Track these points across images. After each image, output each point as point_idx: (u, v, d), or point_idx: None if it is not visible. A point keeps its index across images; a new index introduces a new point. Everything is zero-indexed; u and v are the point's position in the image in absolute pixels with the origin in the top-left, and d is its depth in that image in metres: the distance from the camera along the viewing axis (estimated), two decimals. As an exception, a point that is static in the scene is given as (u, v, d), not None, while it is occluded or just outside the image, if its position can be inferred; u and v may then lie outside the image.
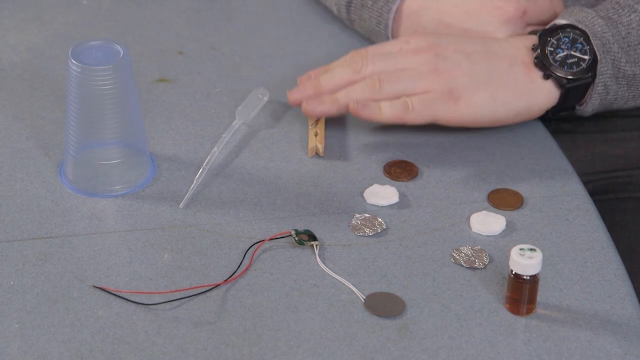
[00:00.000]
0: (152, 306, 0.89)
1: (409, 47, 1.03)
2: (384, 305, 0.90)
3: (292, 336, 0.88)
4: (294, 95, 1.05)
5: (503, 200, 1.00)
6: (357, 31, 1.18)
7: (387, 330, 0.88)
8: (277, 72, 1.15)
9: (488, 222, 0.97)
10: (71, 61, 0.95)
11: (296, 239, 0.95)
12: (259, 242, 0.95)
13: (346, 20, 1.17)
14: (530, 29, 1.08)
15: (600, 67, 1.02)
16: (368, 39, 1.17)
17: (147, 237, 0.96)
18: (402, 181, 1.02)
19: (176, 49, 1.18)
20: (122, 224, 0.97)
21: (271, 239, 0.95)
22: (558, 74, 1.02)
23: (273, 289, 0.91)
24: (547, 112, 1.05)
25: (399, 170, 1.03)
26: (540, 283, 0.90)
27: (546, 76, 1.02)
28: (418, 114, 1.01)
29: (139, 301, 0.90)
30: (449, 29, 1.09)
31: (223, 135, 1.05)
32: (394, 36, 1.12)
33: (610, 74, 1.02)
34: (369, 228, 0.97)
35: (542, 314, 0.90)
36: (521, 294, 0.89)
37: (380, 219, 0.98)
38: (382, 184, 1.01)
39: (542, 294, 0.91)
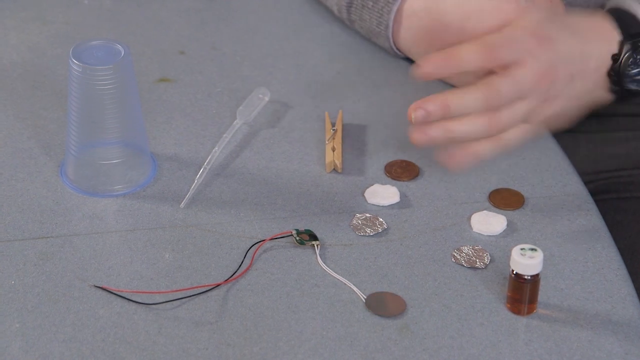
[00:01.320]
0: (153, 306, 0.89)
1: (533, 68, 0.98)
2: (384, 305, 0.90)
3: (293, 336, 0.88)
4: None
5: (504, 200, 1.00)
6: (358, 31, 1.18)
7: (388, 330, 0.88)
8: (278, 72, 1.15)
9: (489, 222, 0.97)
10: (72, 61, 0.96)
11: (297, 238, 0.95)
12: (260, 241, 0.95)
13: (347, 20, 1.17)
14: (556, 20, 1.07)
15: None
16: (368, 40, 1.17)
17: (148, 237, 0.96)
18: (403, 181, 1.02)
19: (177, 48, 1.18)
20: (123, 224, 0.97)
21: (272, 239, 0.95)
22: (628, 88, 1.02)
23: (274, 288, 0.91)
24: None
25: (400, 170, 1.03)
26: (541, 283, 0.90)
27: (614, 91, 1.02)
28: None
29: (140, 301, 0.90)
30: (449, 29, 1.08)
31: (224, 135, 1.05)
32: (394, 37, 1.12)
33: None
34: (370, 228, 0.97)
35: (543, 314, 0.90)
36: (522, 293, 0.89)
37: (381, 219, 0.98)
38: (383, 183, 1.01)
39: (543, 294, 0.91)
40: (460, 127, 0.98)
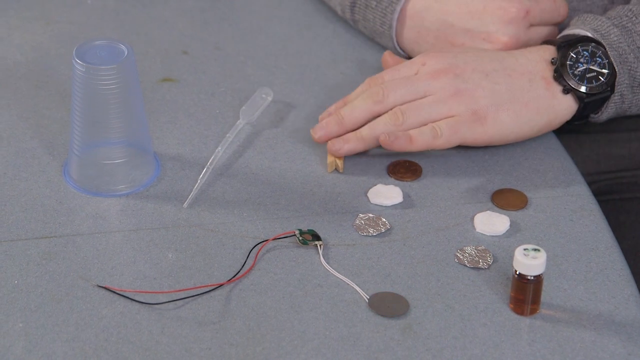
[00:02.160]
0: (156, 306, 0.90)
1: (426, 69, 1.02)
2: (387, 305, 0.90)
3: (296, 336, 0.88)
4: (318, 133, 1.03)
5: (507, 200, 1.00)
6: (361, 31, 1.18)
7: (391, 330, 0.88)
8: (281, 72, 1.15)
9: (492, 223, 0.97)
10: (76, 61, 0.96)
11: (300, 238, 0.95)
12: (263, 241, 0.95)
13: (350, 20, 1.17)
14: (533, 29, 1.08)
15: (618, 79, 1.02)
16: (372, 39, 1.17)
17: (151, 237, 0.96)
18: (406, 181, 1.02)
19: (180, 48, 1.18)
20: (126, 224, 0.97)
21: (275, 239, 0.95)
22: (578, 89, 1.02)
23: (277, 288, 0.91)
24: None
25: (403, 170, 1.03)
26: (545, 283, 0.90)
27: (566, 90, 1.02)
28: (447, 140, 1.00)
29: (143, 301, 0.90)
30: (452, 29, 1.09)
31: (227, 135, 1.05)
32: (398, 37, 1.12)
33: (626, 84, 1.02)
34: (373, 228, 0.97)
35: (546, 314, 0.90)
36: (525, 294, 0.89)
37: (384, 219, 0.98)
38: (386, 183, 1.01)
39: (546, 294, 0.91)
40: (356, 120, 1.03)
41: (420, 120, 1.01)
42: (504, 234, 0.97)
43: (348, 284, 0.92)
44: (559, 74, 1.02)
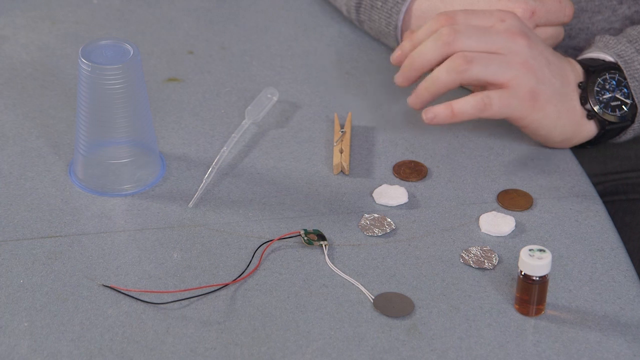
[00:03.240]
0: (161, 305, 0.90)
1: (506, 26, 0.99)
2: (393, 306, 0.90)
3: (300, 336, 0.88)
4: (398, 79, 1.02)
5: (512, 201, 1.00)
6: (367, 32, 1.18)
7: (396, 331, 0.88)
8: (287, 72, 1.15)
9: (497, 223, 0.97)
10: (81, 60, 0.96)
11: (305, 238, 0.95)
12: (268, 241, 0.95)
13: (355, 21, 1.17)
14: (539, 29, 1.08)
15: (639, 108, 1.03)
16: (377, 40, 1.17)
17: (157, 237, 0.96)
18: (412, 181, 1.02)
19: (186, 48, 1.18)
20: (131, 223, 0.97)
21: (280, 239, 0.95)
22: (602, 116, 1.02)
23: (282, 288, 0.91)
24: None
25: (409, 171, 1.03)
26: (550, 284, 0.90)
27: (590, 116, 1.03)
28: (497, 111, 0.98)
29: (148, 300, 0.90)
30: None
31: (232, 135, 1.05)
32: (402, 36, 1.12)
33: None
34: (378, 228, 0.97)
35: (552, 315, 0.90)
36: (530, 294, 0.89)
37: (389, 219, 0.98)
38: (392, 184, 1.01)
39: (552, 295, 0.91)
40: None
41: (482, 75, 0.98)
42: (509, 234, 0.97)
43: (353, 284, 0.92)
44: (585, 99, 1.02)
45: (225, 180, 1.02)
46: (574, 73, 1.03)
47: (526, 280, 0.89)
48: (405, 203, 1.00)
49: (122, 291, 0.91)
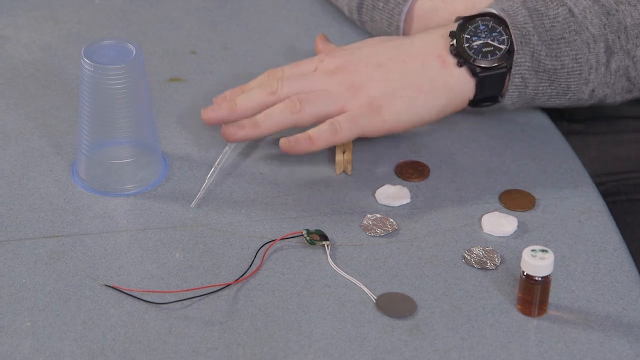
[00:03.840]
0: (164, 305, 0.90)
1: (323, 66, 1.02)
2: (395, 306, 0.90)
3: (303, 336, 0.88)
4: (208, 115, 1.03)
5: (515, 201, 1.00)
6: (368, 32, 1.18)
7: (398, 331, 0.88)
8: (289, 72, 1.15)
9: (500, 223, 0.97)
10: (84, 60, 0.96)
11: (307, 238, 0.95)
12: (271, 241, 0.95)
13: (357, 21, 1.17)
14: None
15: (517, 58, 1.00)
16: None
17: (159, 236, 0.96)
18: (414, 181, 1.02)
19: (188, 48, 1.18)
20: (134, 223, 0.97)
21: (282, 239, 0.95)
22: (471, 61, 1.00)
23: (284, 288, 0.91)
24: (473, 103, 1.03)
25: (411, 171, 1.03)
26: (552, 284, 0.90)
27: (459, 63, 1.00)
28: (347, 134, 1.00)
29: (150, 300, 0.90)
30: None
31: (235, 135, 1.05)
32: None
33: (528, 66, 1.00)
34: (380, 228, 0.97)
35: (554, 316, 0.90)
36: (533, 295, 0.89)
37: (391, 219, 0.98)
38: (394, 184, 1.01)
39: (554, 295, 0.91)
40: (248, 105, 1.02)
41: (317, 110, 1.00)
42: (511, 234, 0.97)
43: (355, 284, 0.92)
44: (455, 47, 1.00)
45: (227, 180, 1.02)
46: (436, 35, 1.02)
47: (528, 281, 0.89)
48: (407, 203, 1.00)
49: (125, 291, 0.91)
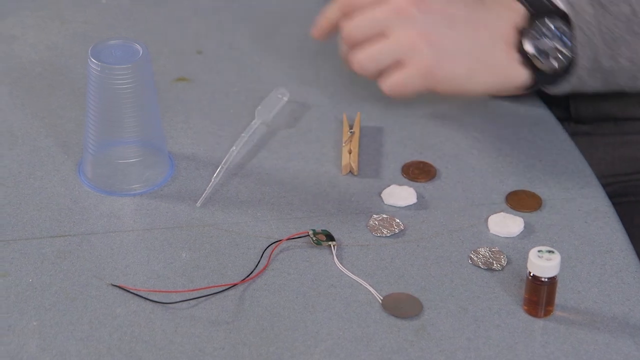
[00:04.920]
0: (170, 305, 0.90)
1: (395, 3, 0.99)
2: (401, 306, 0.90)
3: (309, 336, 0.88)
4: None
5: (521, 202, 1.00)
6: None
7: (404, 331, 0.88)
8: (296, 72, 1.15)
9: (506, 224, 0.97)
10: (91, 60, 0.96)
11: (314, 239, 0.95)
12: (277, 241, 0.95)
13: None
14: None
15: (578, 61, 1.00)
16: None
17: (165, 236, 0.96)
18: (420, 182, 1.02)
19: (195, 48, 1.18)
20: (140, 223, 0.97)
21: (289, 239, 0.95)
22: (537, 64, 1.00)
23: (290, 288, 0.91)
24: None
25: (417, 171, 1.03)
26: (559, 285, 0.90)
27: (522, 62, 1.00)
28: (394, 90, 1.00)
29: (156, 300, 0.90)
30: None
31: (242, 135, 1.05)
32: None
33: (587, 68, 1.00)
34: (387, 229, 0.97)
35: (560, 317, 0.90)
36: (539, 296, 0.89)
37: (397, 220, 0.98)
38: (400, 184, 1.01)
39: (560, 296, 0.91)
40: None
41: (376, 64, 0.99)
42: (518, 235, 0.97)
43: (361, 285, 0.92)
44: (522, 44, 1.00)
45: (234, 180, 1.02)
46: (506, 16, 1.00)
47: (535, 282, 0.88)
48: (413, 204, 1.00)
49: (131, 291, 0.91)
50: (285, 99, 1.10)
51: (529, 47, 0.99)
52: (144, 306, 0.89)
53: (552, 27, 1.00)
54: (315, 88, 1.13)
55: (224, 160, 1.02)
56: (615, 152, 1.18)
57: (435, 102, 1.11)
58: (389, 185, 1.01)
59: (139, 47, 0.97)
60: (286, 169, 1.03)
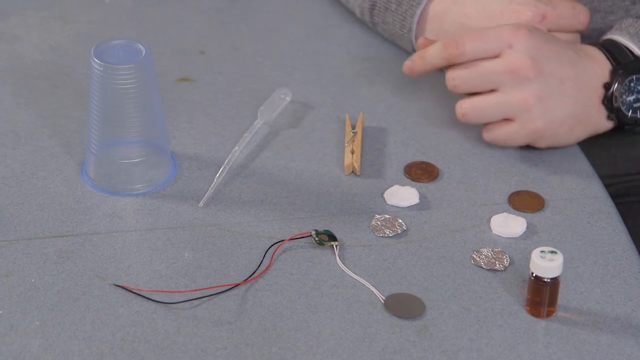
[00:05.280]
0: (172, 305, 0.90)
1: (508, 59, 1.00)
2: (403, 307, 0.90)
3: (311, 336, 0.88)
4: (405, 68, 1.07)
5: (524, 202, 1.00)
6: (380, 34, 1.18)
7: (406, 332, 0.88)
8: (298, 73, 1.15)
9: (509, 224, 0.97)
10: (94, 60, 0.96)
11: (316, 239, 0.95)
12: (279, 242, 0.95)
13: (369, 23, 1.17)
14: (551, 34, 1.07)
15: None
16: (390, 42, 1.17)
17: (168, 236, 0.96)
18: (423, 182, 1.02)
19: (198, 48, 1.18)
20: (142, 223, 0.97)
21: (291, 239, 0.95)
22: (622, 119, 1.04)
23: (293, 289, 0.91)
24: None
25: (420, 172, 1.03)
26: (561, 286, 0.90)
27: (610, 118, 1.04)
28: (501, 141, 1.04)
29: (159, 300, 0.90)
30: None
31: (244, 135, 1.05)
32: (417, 40, 1.12)
33: None
34: (389, 229, 0.97)
35: (563, 317, 0.90)
36: (542, 296, 0.89)
37: (400, 220, 0.98)
38: (403, 184, 1.01)
39: (563, 297, 0.91)
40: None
41: (489, 118, 1.03)
42: (520, 235, 0.97)
43: (364, 285, 0.92)
44: (609, 100, 1.03)
45: (236, 180, 1.02)
46: (598, 73, 1.04)
47: (537, 282, 0.88)
48: (416, 204, 1.00)
49: (133, 291, 0.91)
50: (288, 99, 1.10)
51: (617, 104, 1.03)
52: (146, 306, 0.90)
53: (637, 80, 1.03)
54: (318, 88, 1.13)
55: (226, 161, 1.02)
56: (618, 152, 1.18)
57: (437, 102, 1.11)
58: (391, 186, 1.01)
59: (141, 47, 0.97)
60: (289, 169, 1.03)
